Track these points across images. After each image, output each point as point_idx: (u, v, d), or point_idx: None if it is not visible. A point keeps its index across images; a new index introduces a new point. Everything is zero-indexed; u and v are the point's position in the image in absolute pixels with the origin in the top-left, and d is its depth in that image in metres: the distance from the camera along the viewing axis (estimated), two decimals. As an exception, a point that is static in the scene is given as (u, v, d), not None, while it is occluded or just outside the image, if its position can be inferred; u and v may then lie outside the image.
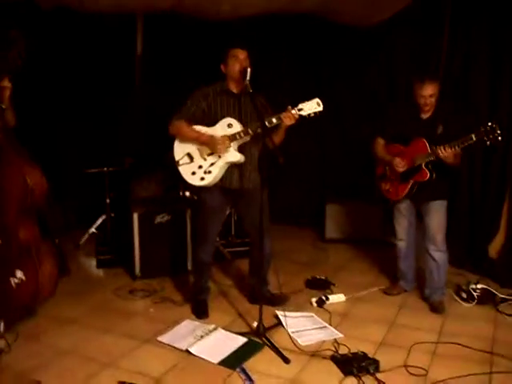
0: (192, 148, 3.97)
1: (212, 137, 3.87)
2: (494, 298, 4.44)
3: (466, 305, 4.42)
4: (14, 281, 3.53)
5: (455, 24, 5.36)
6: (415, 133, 4.15)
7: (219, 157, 3.90)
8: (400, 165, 4.20)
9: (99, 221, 6.09)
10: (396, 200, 4.38)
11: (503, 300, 4.40)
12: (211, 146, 3.88)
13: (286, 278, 4.75)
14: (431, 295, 4.39)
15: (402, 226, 4.46)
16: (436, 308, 4.28)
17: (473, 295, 4.44)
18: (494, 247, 5.15)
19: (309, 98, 3.76)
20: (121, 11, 5.97)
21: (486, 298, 4.43)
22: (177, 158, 4.00)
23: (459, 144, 3.83)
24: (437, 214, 4.24)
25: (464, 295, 4.49)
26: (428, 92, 4.03)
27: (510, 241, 4.99)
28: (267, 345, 3.63)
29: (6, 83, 3.60)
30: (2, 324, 3.67)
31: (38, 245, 3.72)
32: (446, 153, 3.89)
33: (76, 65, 6.22)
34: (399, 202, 4.39)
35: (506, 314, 4.19)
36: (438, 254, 4.29)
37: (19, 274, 3.54)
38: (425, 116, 4.18)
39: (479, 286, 4.50)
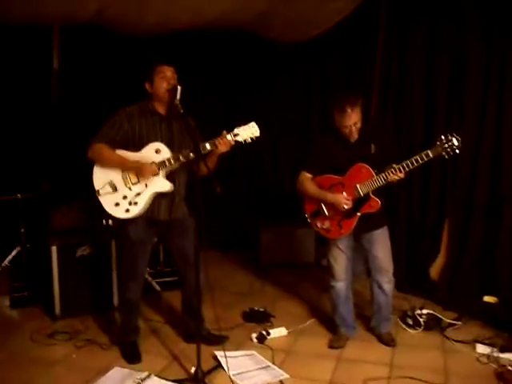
0: (115, 176, 3.56)
1: (138, 161, 3.49)
2: (440, 323, 4.28)
3: (412, 331, 4.25)
4: None
5: (389, 37, 5.28)
6: (346, 159, 3.72)
7: (146, 186, 3.52)
8: (347, 202, 3.70)
9: (13, 253, 5.54)
10: (337, 238, 3.90)
11: (449, 325, 4.27)
12: (138, 171, 3.49)
13: (222, 311, 4.43)
14: (378, 327, 4.13)
15: (342, 264, 3.95)
16: (386, 341, 4.04)
17: (419, 321, 4.26)
18: (435, 269, 5.03)
19: (244, 122, 3.45)
20: (35, 23, 5.52)
21: (432, 324, 4.27)
22: (97, 187, 3.58)
23: (413, 162, 3.46)
24: (383, 244, 3.91)
25: (410, 321, 4.32)
26: (352, 121, 3.61)
27: (451, 262, 4.87)
28: (207, 393, 3.28)
29: None
30: None
31: None
32: (399, 174, 3.50)
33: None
34: (338, 239, 3.92)
35: (454, 340, 4.04)
36: (389, 285, 3.99)
37: None
38: (353, 139, 3.75)
39: (424, 312, 4.35)
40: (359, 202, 3.72)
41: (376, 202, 3.69)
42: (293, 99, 6.37)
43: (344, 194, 3.72)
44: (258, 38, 6.00)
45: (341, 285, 3.99)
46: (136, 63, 5.20)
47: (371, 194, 3.68)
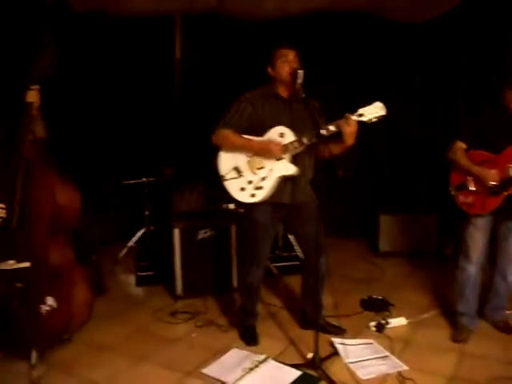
0: (240, 161, 3.58)
1: (264, 141, 3.49)
2: None
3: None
4: (44, 308, 3.22)
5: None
6: (505, 138, 3.58)
7: (271, 170, 3.51)
8: (494, 177, 3.57)
9: (139, 234, 5.80)
10: (479, 214, 3.73)
11: None
12: (265, 151, 3.48)
13: (340, 298, 4.37)
14: (493, 314, 4.01)
15: (478, 246, 3.78)
16: (503, 328, 3.93)
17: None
18: None
19: (368, 102, 3.36)
20: (158, 13, 5.70)
21: None
22: (222, 173, 3.62)
23: None
24: None
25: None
26: None
27: None
28: (324, 379, 3.24)
29: (33, 95, 3.28)
30: (35, 354, 3.39)
31: (72, 269, 3.42)
32: None
33: (112, 71, 5.95)
34: (480, 216, 3.74)
35: None
36: None
37: (50, 301, 3.23)
38: None
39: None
40: (509, 182, 3.57)
41: None
42: (416, 82, 6.12)
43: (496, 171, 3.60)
44: (378, 20, 5.80)
45: (472, 268, 3.82)
46: (257, 48, 5.24)
47: None
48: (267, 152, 3.47)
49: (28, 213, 3.24)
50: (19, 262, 3.21)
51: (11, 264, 3.20)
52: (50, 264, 3.30)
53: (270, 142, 3.47)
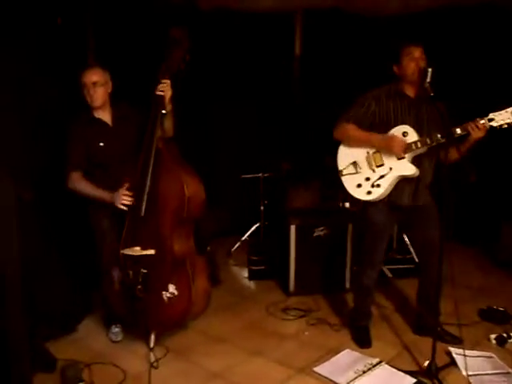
0: (359, 157, 3.56)
1: (388, 136, 3.42)
2: None
3: None
4: (166, 295, 3.35)
5: None
6: None
7: (390, 169, 3.45)
8: None
9: (253, 228, 5.88)
10: None
11: None
12: (388, 147, 3.42)
13: (457, 306, 4.19)
14: None
15: None
16: None
17: None
18: None
19: (501, 107, 3.22)
20: (279, 10, 5.75)
21: None
22: (340, 168, 3.61)
23: None
24: None
25: None
26: None
27: None
28: (440, 389, 3.13)
29: (166, 86, 3.39)
30: (153, 337, 3.55)
31: (193, 259, 3.53)
32: None
33: (233, 67, 6.06)
34: None
35: None
36: None
37: (172, 288, 3.35)
38: None
39: None
40: None
41: None
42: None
43: None
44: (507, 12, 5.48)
45: None
46: (379, 45, 5.14)
47: None
48: (389, 148, 3.41)
49: (156, 203, 3.38)
50: (144, 249, 3.36)
51: (137, 250, 3.35)
52: (174, 253, 3.40)
53: (394, 137, 3.41)
